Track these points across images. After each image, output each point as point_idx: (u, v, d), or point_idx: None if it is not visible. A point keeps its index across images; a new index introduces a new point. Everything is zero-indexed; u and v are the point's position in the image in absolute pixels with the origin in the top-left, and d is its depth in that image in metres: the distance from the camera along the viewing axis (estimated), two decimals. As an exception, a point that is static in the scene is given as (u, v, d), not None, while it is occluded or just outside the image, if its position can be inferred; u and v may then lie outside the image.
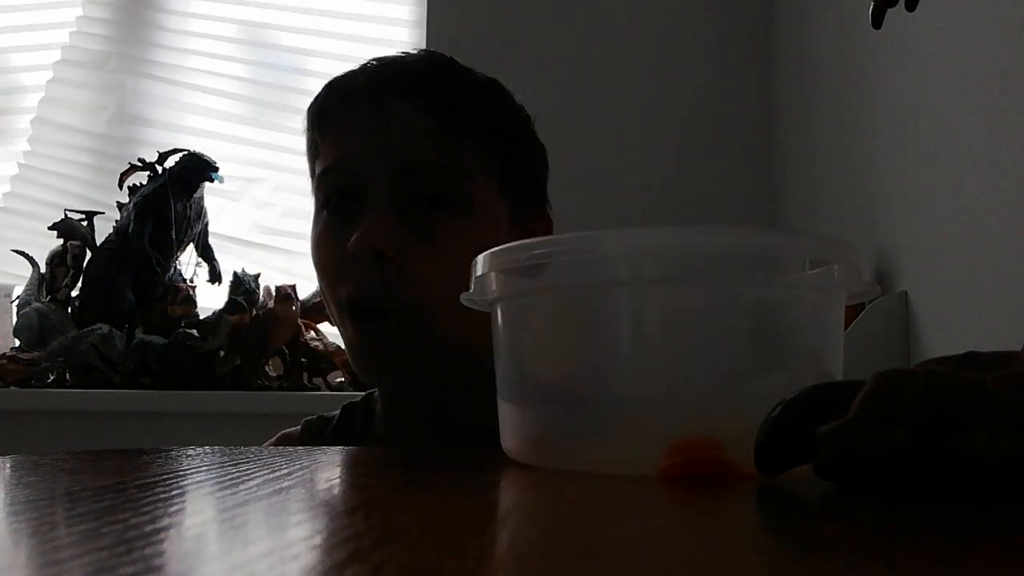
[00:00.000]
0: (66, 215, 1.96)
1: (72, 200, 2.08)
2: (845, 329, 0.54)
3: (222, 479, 0.44)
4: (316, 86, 0.81)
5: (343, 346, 0.83)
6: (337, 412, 0.86)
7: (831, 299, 0.50)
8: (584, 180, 1.97)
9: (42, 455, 0.55)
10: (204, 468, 0.49)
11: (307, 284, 1.87)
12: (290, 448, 0.74)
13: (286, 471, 0.47)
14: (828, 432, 0.38)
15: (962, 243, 1.17)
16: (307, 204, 0.81)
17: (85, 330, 1.80)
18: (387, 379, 0.77)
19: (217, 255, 1.97)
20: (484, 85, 0.79)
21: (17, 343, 1.90)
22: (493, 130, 0.77)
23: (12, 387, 1.81)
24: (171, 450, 0.59)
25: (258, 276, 1.91)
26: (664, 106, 2.04)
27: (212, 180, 1.90)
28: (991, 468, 0.34)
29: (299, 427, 0.87)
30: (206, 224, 1.96)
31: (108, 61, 2.22)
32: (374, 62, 0.78)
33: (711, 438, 0.43)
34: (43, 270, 1.94)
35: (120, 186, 1.94)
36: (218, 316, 1.83)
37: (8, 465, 0.51)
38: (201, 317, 1.87)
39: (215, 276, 1.94)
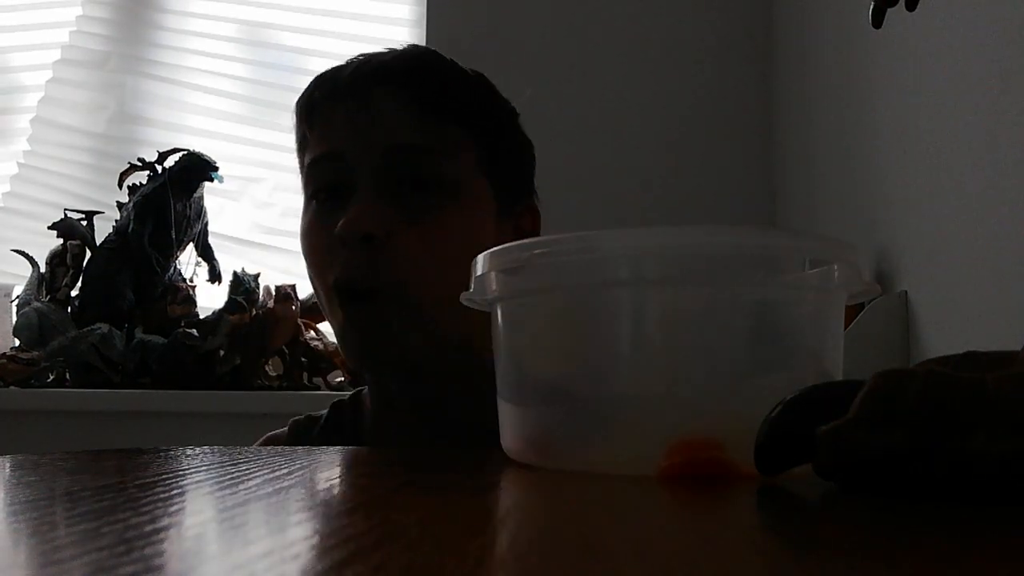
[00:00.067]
0: (66, 215, 1.96)
1: (72, 200, 2.08)
2: (845, 329, 0.54)
3: (222, 479, 0.44)
4: (315, 86, 0.81)
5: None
6: (325, 411, 0.86)
7: (831, 299, 0.50)
8: (584, 180, 1.97)
9: (42, 455, 0.56)
10: (204, 468, 0.49)
11: (307, 284, 1.86)
12: (290, 448, 0.74)
13: (286, 471, 0.47)
14: (828, 432, 0.38)
15: (962, 243, 1.17)
16: (307, 204, 0.81)
17: (85, 330, 1.80)
18: (376, 364, 0.77)
19: (217, 255, 1.97)
20: (469, 76, 0.80)
21: (17, 343, 1.90)
22: (478, 118, 0.78)
23: (12, 387, 1.81)
24: (171, 450, 0.59)
25: (258, 276, 1.91)
26: (664, 106, 2.04)
27: (212, 180, 1.90)
28: (991, 468, 0.34)
29: (286, 428, 0.87)
30: (206, 224, 1.96)
31: (108, 61, 2.22)
32: (360, 57, 0.79)
33: (711, 438, 0.43)
34: (43, 270, 1.94)
35: (120, 186, 1.94)
36: (218, 316, 1.83)
37: (8, 465, 0.51)
38: (201, 317, 1.87)
39: (215, 276, 1.94)
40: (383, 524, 0.32)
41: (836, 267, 0.47)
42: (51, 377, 1.83)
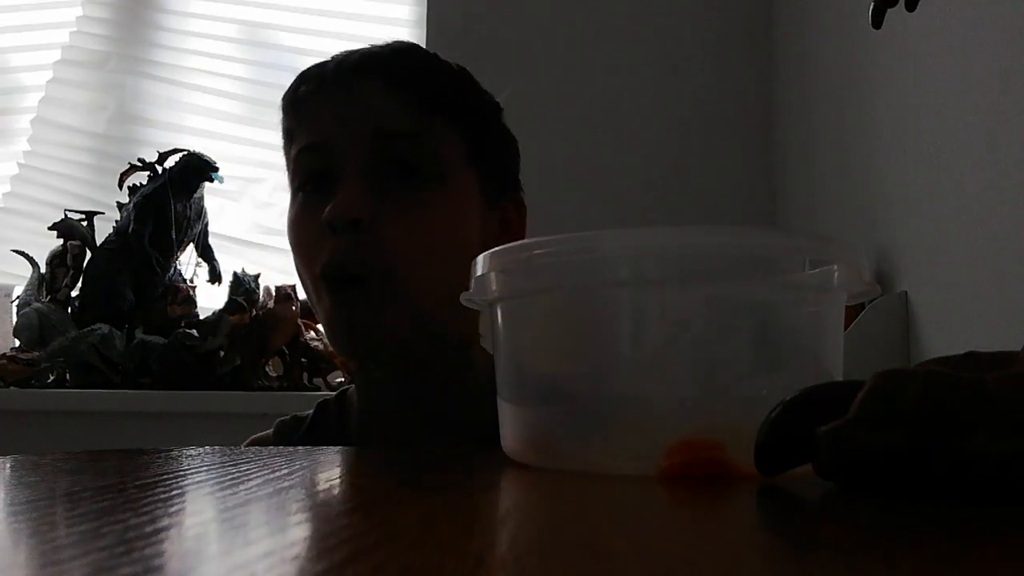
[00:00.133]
0: (66, 215, 1.96)
1: (72, 200, 2.08)
2: (845, 329, 0.54)
3: (222, 479, 0.44)
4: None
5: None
6: (311, 411, 0.86)
7: (831, 299, 0.50)
8: (584, 180, 1.97)
9: (42, 455, 0.56)
10: (204, 468, 0.49)
11: (307, 284, 1.87)
12: (290, 448, 0.74)
13: (286, 471, 0.47)
14: (828, 432, 0.38)
15: (962, 243, 1.17)
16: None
17: (85, 330, 1.80)
18: (362, 350, 0.77)
19: (217, 255, 1.97)
20: (452, 68, 0.81)
21: (17, 343, 1.90)
22: (462, 108, 0.78)
23: (12, 387, 1.81)
24: (171, 450, 0.59)
25: (258, 276, 1.91)
26: (664, 106, 2.04)
27: (212, 180, 1.90)
28: (991, 468, 0.34)
29: (271, 430, 0.87)
30: (206, 224, 1.96)
31: (108, 61, 2.22)
32: (344, 52, 0.80)
33: (711, 438, 0.43)
34: (43, 270, 1.94)
35: (120, 186, 1.94)
36: (218, 316, 1.83)
37: (8, 465, 0.51)
38: (201, 317, 1.87)
39: (215, 276, 1.94)
40: (383, 524, 0.32)
41: (836, 267, 0.47)
42: (51, 377, 1.83)
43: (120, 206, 1.93)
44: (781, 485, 0.42)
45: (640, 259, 0.48)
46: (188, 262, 1.96)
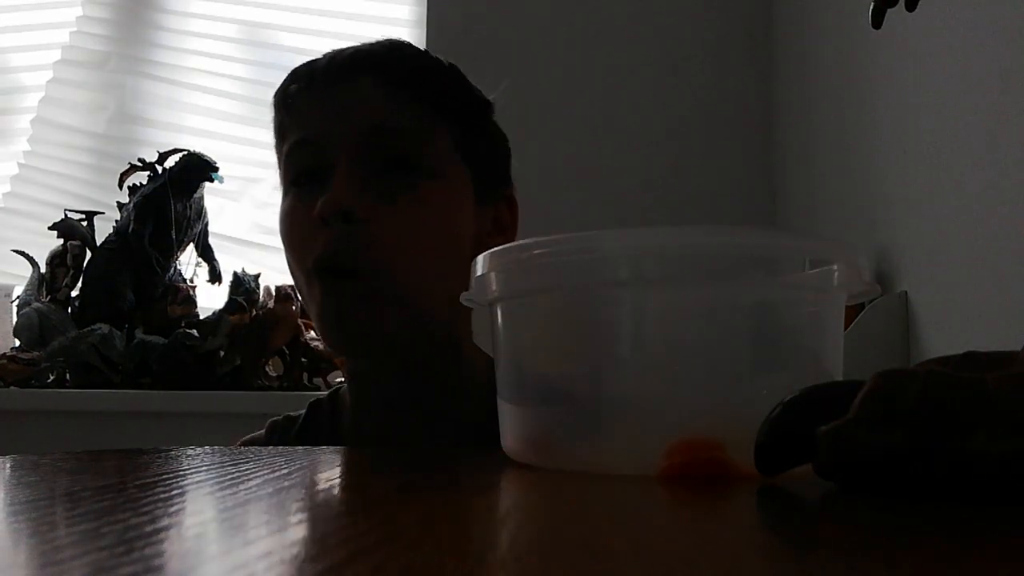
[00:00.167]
0: (66, 215, 1.96)
1: (72, 200, 2.08)
2: (845, 329, 0.54)
3: (222, 479, 0.44)
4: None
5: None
6: (304, 411, 0.85)
7: (831, 299, 0.50)
8: (584, 179, 1.97)
9: (42, 455, 0.55)
10: (204, 468, 0.49)
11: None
12: (290, 448, 0.74)
13: (286, 471, 0.47)
14: (828, 432, 0.38)
15: (962, 243, 1.17)
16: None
17: (85, 330, 1.80)
18: (354, 343, 0.77)
19: (217, 255, 1.97)
20: (442, 64, 0.81)
21: (17, 343, 1.90)
22: (453, 104, 0.78)
23: (12, 387, 1.81)
24: (171, 450, 0.59)
25: (258, 276, 1.91)
26: (664, 106, 2.04)
27: (212, 180, 1.90)
28: (991, 468, 0.34)
29: (263, 430, 0.87)
30: (206, 224, 1.96)
31: (108, 61, 2.22)
32: (336, 49, 0.80)
33: (711, 438, 0.43)
34: (43, 270, 1.94)
35: (120, 186, 1.94)
36: (218, 316, 1.83)
37: (8, 465, 0.51)
38: (201, 317, 1.87)
39: (215, 276, 1.94)
40: (383, 524, 0.32)
41: (836, 267, 0.47)
42: (51, 377, 1.83)
43: (120, 206, 1.93)
44: (781, 485, 0.42)
45: (640, 259, 0.48)
46: (188, 262, 1.96)
